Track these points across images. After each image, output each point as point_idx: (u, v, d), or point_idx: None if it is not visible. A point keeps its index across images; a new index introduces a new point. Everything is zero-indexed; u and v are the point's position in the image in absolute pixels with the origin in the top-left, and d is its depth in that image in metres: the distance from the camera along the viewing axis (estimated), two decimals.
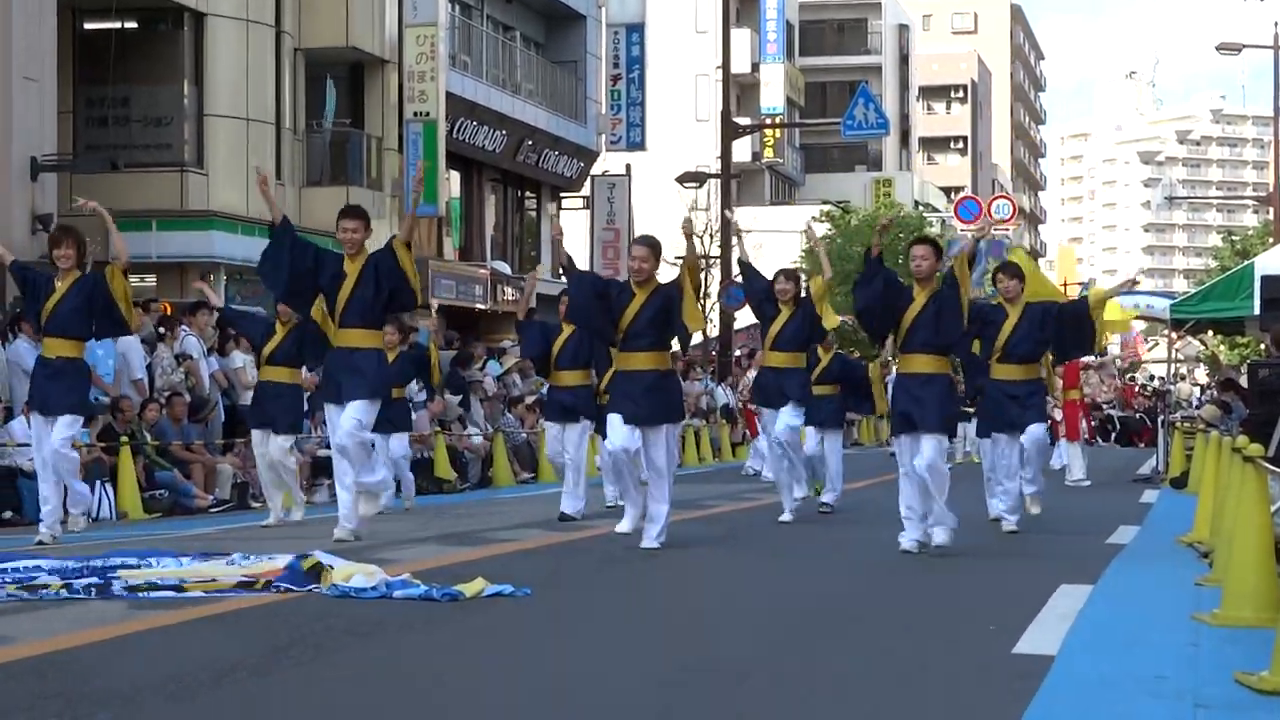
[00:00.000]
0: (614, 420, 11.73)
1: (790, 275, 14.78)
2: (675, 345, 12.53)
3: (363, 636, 7.24)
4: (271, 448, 14.56)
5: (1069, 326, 13.70)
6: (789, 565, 11.33)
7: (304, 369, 15.34)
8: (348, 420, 11.92)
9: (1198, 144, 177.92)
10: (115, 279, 12.68)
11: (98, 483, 16.21)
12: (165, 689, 5.88)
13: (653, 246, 12.01)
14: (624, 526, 12.62)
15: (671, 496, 11.91)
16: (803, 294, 14.63)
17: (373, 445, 12.67)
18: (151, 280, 27.80)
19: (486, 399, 24.80)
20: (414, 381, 18.62)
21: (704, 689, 6.14)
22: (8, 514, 15.45)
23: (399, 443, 16.66)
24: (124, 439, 16.73)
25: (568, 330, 15.16)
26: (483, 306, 36.95)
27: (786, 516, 14.61)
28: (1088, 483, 22.31)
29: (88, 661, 6.46)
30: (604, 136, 46.07)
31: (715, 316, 40.41)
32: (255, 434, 14.87)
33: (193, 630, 7.39)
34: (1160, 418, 28.20)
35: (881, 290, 11.52)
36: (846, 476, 16.59)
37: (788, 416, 14.65)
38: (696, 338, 44.10)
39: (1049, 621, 7.81)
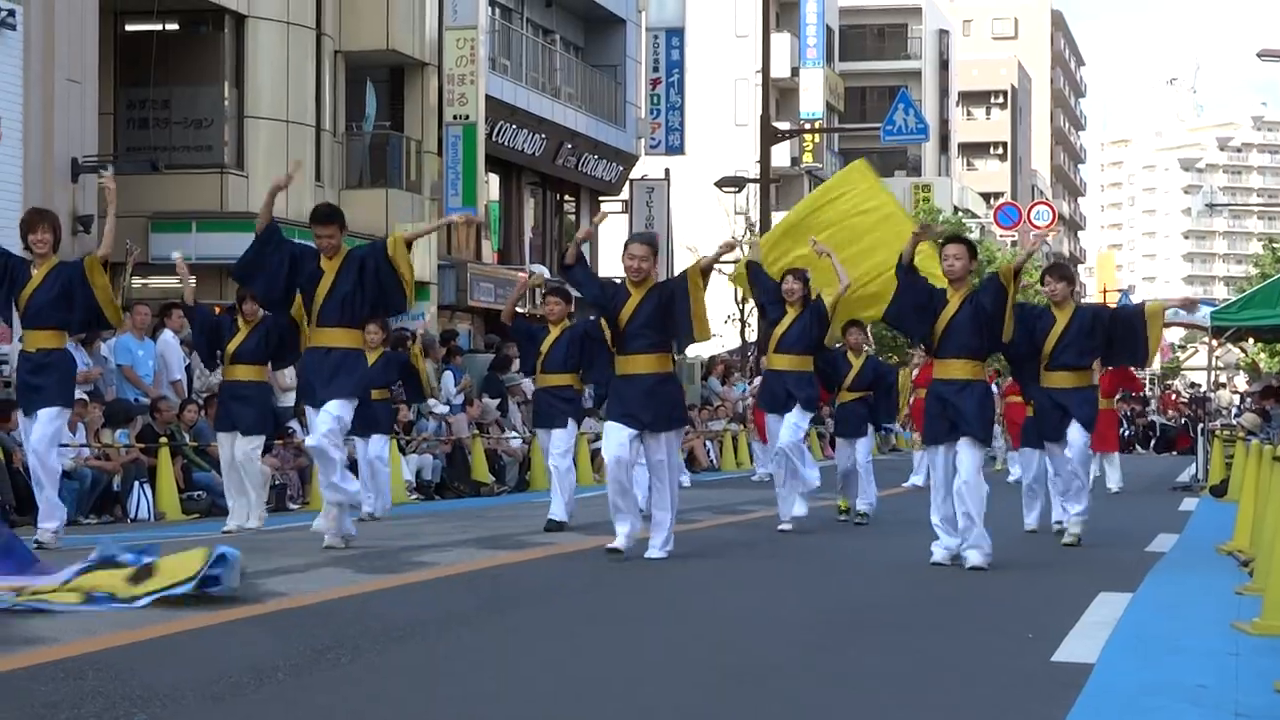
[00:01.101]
0: (610, 429, 11.20)
1: (798, 275, 14.06)
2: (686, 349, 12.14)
3: (400, 639, 7.25)
4: (237, 450, 14.19)
5: (1121, 333, 12.98)
6: (824, 571, 11.31)
7: (270, 366, 14.97)
8: (324, 420, 11.54)
9: (1239, 151, 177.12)
10: (94, 272, 12.03)
11: (135, 483, 16.33)
12: (204, 689, 5.90)
13: (652, 245, 11.60)
14: (619, 543, 11.16)
15: (676, 505, 11.51)
16: (811, 296, 14.02)
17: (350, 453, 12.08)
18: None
19: (524, 402, 24.80)
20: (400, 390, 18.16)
21: (739, 693, 6.13)
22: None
23: (376, 444, 16.05)
24: (162, 440, 16.81)
25: (555, 331, 14.95)
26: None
27: (785, 525, 14.17)
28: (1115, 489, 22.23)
29: (127, 662, 6.48)
30: (643, 140, 46.00)
31: (754, 320, 40.27)
32: (221, 437, 14.45)
33: (232, 631, 7.41)
34: (1200, 425, 28.13)
35: (911, 305, 11.27)
36: (881, 484, 16.49)
37: (791, 424, 14.02)
38: (730, 343, 44.15)
39: (1088, 630, 7.78)
